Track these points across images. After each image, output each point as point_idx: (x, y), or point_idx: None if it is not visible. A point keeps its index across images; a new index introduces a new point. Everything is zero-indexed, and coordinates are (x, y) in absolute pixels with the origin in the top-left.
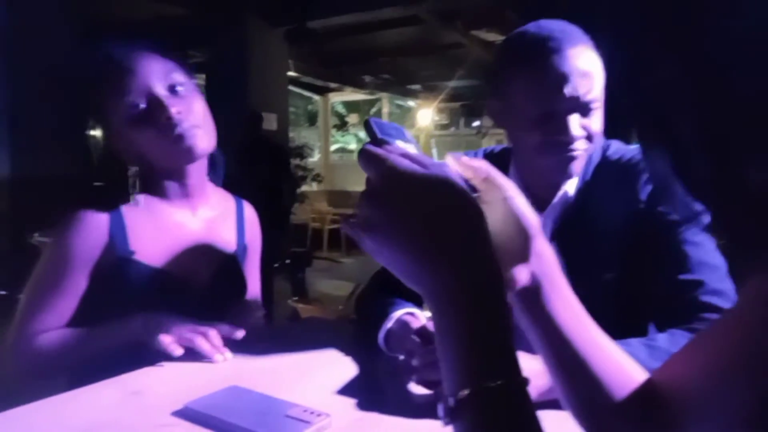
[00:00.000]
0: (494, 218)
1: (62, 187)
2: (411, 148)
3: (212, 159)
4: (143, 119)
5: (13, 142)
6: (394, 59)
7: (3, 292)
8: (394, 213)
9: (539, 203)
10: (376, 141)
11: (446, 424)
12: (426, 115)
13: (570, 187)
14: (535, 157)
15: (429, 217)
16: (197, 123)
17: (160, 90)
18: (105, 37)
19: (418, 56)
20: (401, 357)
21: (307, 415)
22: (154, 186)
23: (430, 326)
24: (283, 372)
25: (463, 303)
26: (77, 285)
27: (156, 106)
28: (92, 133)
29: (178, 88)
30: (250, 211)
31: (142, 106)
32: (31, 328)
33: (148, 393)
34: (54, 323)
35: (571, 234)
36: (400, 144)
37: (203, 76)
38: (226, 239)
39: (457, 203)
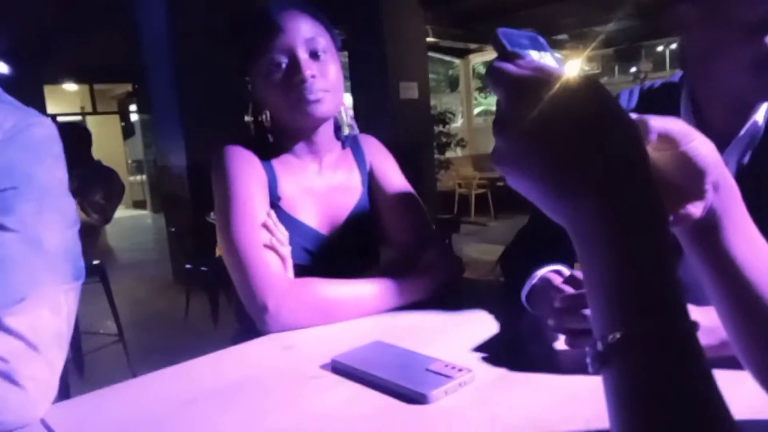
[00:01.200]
0: (665, 159)
1: None
2: (548, 59)
3: (338, 120)
4: (280, 78)
5: (186, 135)
6: (533, 10)
7: (188, 266)
8: (525, 136)
9: (720, 138)
10: (505, 55)
11: (594, 372)
12: (575, 65)
13: (759, 116)
14: (735, 77)
15: (568, 137)
16: (327, 87)
17: (302, 53)
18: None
19: (559, 3)
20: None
21: (448, 369)
22: (286, 142)
23: (579, 275)
24: (426, 329)
25: (612, 234)
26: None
27: (294, 66)
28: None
29: (320, 53)
30: (368, 143)
31: (283, 65)
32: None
33: (299, 348)
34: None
35: (761, 169)
36: (533, 54)
37: (345, 53)
38: (353, 193)
39: (603, 118)
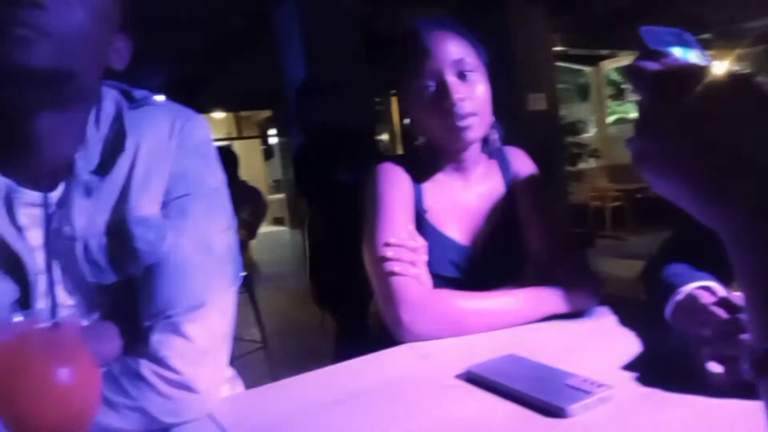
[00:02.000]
0: None
1: None
2: (694, 56)
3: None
4: (430, 101)
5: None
6: (672, 9)
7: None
8: (674, 135)
9: None
10: (648, 53)
11: (752, 378)
12: (723, 66)
13: None
14: None
15: (723, 137)
16: (475, 110)
17: (450, 76)
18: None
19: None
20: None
21: (587, 385)
22: (434, 158)
23: (733, 298)
24: (562, 345)
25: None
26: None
27: (442, 90)
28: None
29: (467, 73)
30: (515, 156)
31: (432, 89)
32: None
33: (435, 357)
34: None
35: None
36: (677, 52)
37: None
38: (499, 206)
39: (762, 117)
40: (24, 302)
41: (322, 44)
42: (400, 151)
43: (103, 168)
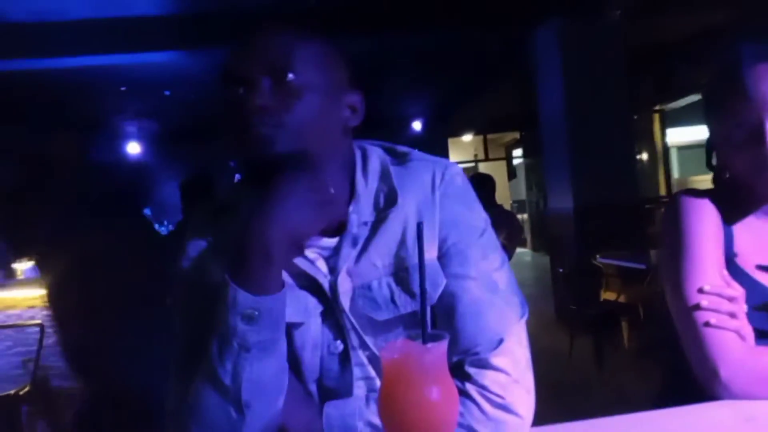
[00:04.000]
0: None
1: (618, 213)
2: None
3: None
4: (744, 142)
5: (574, 178)
6: None
7: (573, 307)
8: None
9: None
10: None
11: None
12: None
13: None
14: None
15: None
16: None
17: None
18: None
19: None
20: None
21: None
22: (745, 196)
23: None
24: None
25: None
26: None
27: (758, 136)
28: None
29: None
30: None
31: (747, 129)
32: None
33: (762, 420)
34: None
35: None
36: None
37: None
38: None
39: None
40: (327, 313)
41: (580, 64)
42: (661, 171)
43: (376, 220)
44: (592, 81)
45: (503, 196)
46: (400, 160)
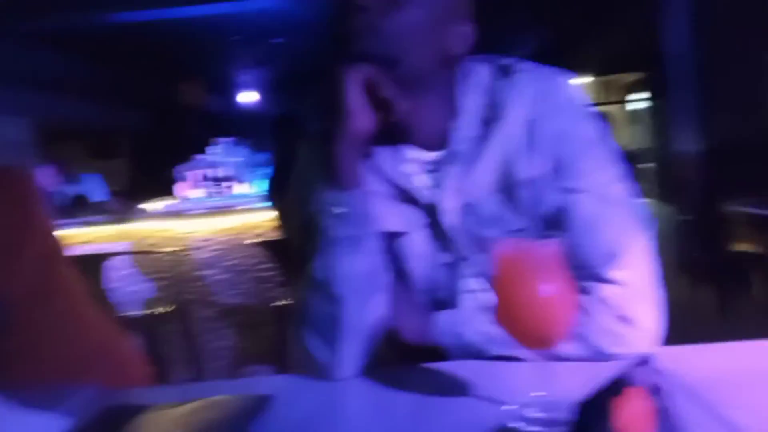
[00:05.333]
0: None
1: (751, 158)
2: None
3: None
4: None
5: (703, 121)
6: None
7: (696, 255)
8: None
9: None
10: None
11: None
12: None
13: None
14: None
15: None
16: None
17: None
18: None
19: None
20: None
21: None
22: None
23: None
24: None
25: None
26: None
27: None
28: None
29: None
30: None
31: None
32: None
33: None
34: None
35: None
36: None
37: None
38: None
39: None
40: (433, 226)
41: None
42: None
43: (481, 135)
44: (723, 14)
45: (623, 142)
46: (507, 72)
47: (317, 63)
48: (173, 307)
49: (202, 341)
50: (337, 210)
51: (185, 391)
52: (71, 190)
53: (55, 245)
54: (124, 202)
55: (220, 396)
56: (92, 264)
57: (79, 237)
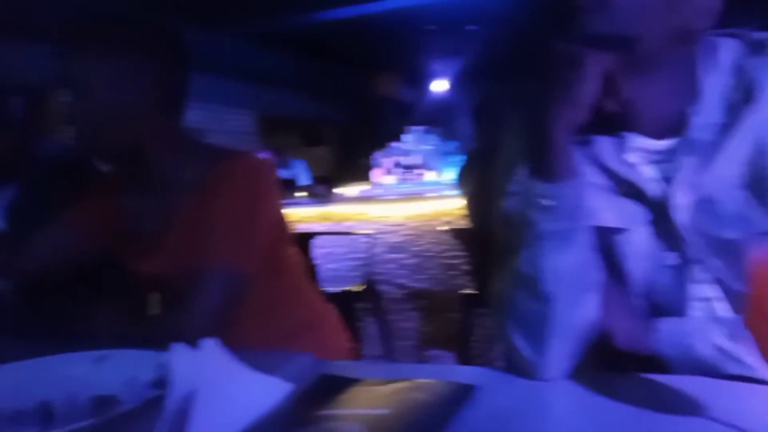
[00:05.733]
0: None
1: None
2: None
3: None
4: None
5: None
6: None
7: None
8: None
9: None
10: None
11: None
12: None
13: None
14: None
15: None
16: None
17: None
18: None
19: None
20: None
21: None
22: None
23: None
24: None
25: None
26: None
27: None
28: None
29: None
30: None
31: None
32: None
33: None
34: None
35: None
36: None
37: None
38: None
39: None
40: (658, 223)
41: None
42: None
43: (728, 121)
44: None
45: None
46: (760, 48)
47: (520, 48)
48: (364, 287)
49: (389, 321)
50: (547, 202)
51: (389, 369)
52: (283, 174)
53: (285, 224)
54: (326, 187)
55: (426, 379)
56: (299, 242)
57: (290, 217)
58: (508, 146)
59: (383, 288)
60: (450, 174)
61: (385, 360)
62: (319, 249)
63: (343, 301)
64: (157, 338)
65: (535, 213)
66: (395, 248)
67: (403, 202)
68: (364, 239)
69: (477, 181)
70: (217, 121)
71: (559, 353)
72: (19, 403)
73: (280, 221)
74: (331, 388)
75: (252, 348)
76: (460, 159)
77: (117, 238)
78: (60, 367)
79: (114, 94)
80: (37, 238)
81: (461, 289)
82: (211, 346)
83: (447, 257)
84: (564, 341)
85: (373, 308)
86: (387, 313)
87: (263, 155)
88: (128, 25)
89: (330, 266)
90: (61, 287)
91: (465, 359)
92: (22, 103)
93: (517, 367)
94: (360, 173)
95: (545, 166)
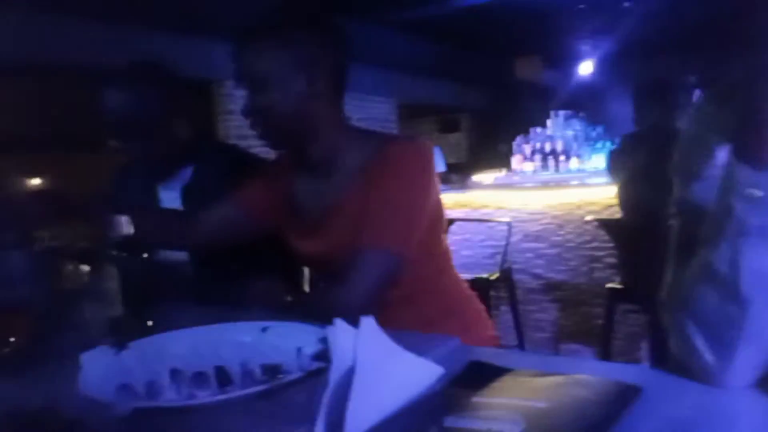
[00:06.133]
0: None
1: None
2: None
3: None
4: None
5: None
6: None
7: None
8: None
9: None
10: None
11: None
12: None
13: None
14: None
15: None
16: None
17: None
18: None
19: None
20: None
21: None
22: None
23: None
24: None
25: None
26: None
27: None
28: None
29: None
30: None
31: None
32: None
33: None
34: None
35: None
36: None
37: None
38: None
39: None
40: None
41: None
42: None
43: None
44: None
45: None
46: None
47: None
48: (498, 275)
49: (524, 311)
50: (754, 193)
51: (541, 360)
52: None
53: (442, 209)
54: (461, 173)
55: (585, 375)
56: None
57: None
58: (702, 125)
59: (518, 277)
60: (595, 161)
61: (520, 350)
62: (455, 235)
63: (477, 288)
64: (315, 314)
65: (738, 204)
66: (534, 237)
67: (544, 190)
68: (500, 227)
69: (632, 168)
70: (358, 109)
71: (748, 360)
72: (198, 365)
73: (438, 206)
74: (482, 375)
75: (404, 329)
76: (607, 145)
77: (282, 219)
78: (232, 334)
79: (290, 84)
80: (210, 215)
81: (605, 282)
82: (370, 325)
83: (591, 248)
84: (755, 348)
85: (508, 297)
86: (520, 302)
87: (423, 140)
88: (302, 19)
89: (464, 252)
90: (230, 261)
91: (605, 356)
92: (197, 94)
93: (694, 371)
94: (498, 160)
95: (758, 149)
